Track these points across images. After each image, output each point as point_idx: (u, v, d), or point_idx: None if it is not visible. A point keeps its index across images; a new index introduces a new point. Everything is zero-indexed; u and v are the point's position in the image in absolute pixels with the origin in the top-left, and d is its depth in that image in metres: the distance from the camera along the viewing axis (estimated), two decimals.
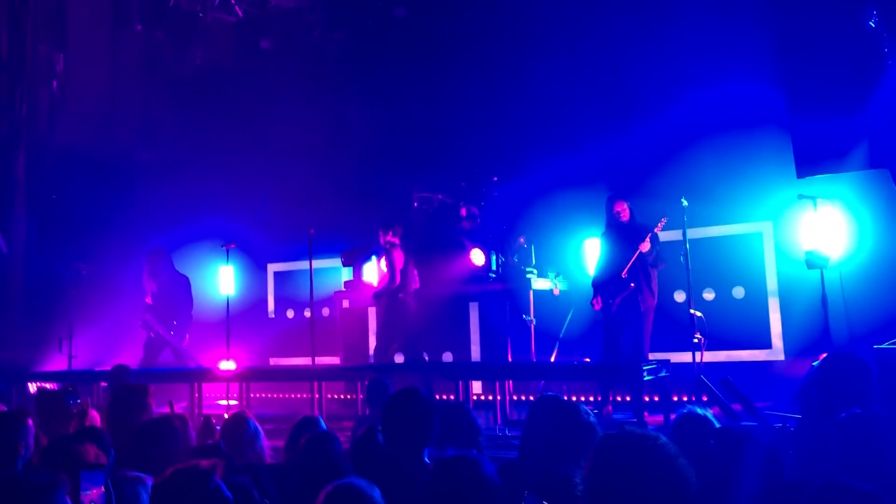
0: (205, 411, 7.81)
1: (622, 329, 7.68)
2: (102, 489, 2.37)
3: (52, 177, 10.91)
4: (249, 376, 8.42)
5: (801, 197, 7.29)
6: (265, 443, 4.22)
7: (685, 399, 7.37)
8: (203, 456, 3.11)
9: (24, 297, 10.14)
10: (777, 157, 8.22)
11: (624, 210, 7.76)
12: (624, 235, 7.71)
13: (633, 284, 7.56)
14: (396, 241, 9.01)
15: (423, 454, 3.39)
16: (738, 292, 8.84)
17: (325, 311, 11.03)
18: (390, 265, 8.94)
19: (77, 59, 11.10)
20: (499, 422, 7.00)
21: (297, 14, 11.48)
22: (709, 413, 3.71)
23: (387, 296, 8.93)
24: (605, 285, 7.76)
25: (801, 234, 7.79)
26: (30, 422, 3.93)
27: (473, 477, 2.70)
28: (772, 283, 8.71)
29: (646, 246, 7.52)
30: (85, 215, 10.85)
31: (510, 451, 5.91)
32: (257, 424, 4.19)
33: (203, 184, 11.35)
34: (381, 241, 9.08)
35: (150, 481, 2.80)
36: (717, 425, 3.58)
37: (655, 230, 7.57)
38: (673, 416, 3.85)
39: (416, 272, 9.14)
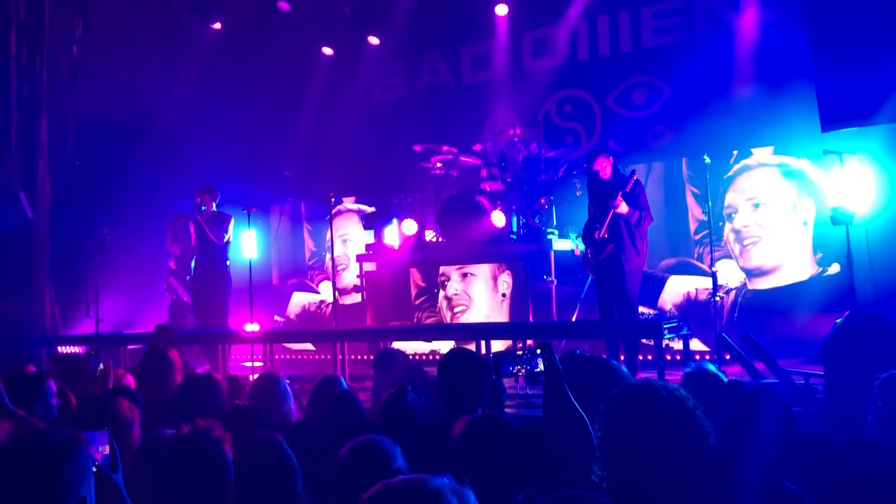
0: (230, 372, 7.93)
1: (611, 289, 7.40)
2: (107, 448, 2.41)
3: (74, 142, 10.95)
4: (274, 338, 8.54)
5: (826, 152, 7.17)
6: (293, 403, 4.29)
7: (707, 357, 7.38)
8: (235, 415, 3.17)
9: (51, 261, 10.23)
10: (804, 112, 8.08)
11: (604, 168, 7.34)
12: (604, 193, 7.29)
13: (611, 246, 7.21)
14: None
15: (478, 413, 3.43)
16: None
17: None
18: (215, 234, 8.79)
19: (96, 24, 11.07)
20: (521, 381, 7.04)
21: None
22: (713, 368, 3.70)
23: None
24: (586, 244, 7.54)
25: (827, 189, 7.69)
26: (50, 382, 3.99)
27: (502, 435, 2.74)
28: None
29: (622, 208, 7.09)
30: (107, 180, 10.88)
31: (533, 410, 6.00)
32: (287, 385, 4.25)
33: (224, 148, 11.35)
34: (200, 212, 8.82)
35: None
36: (726, 381, 3.58)
37: (626, 188, 7.12)
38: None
39: None
